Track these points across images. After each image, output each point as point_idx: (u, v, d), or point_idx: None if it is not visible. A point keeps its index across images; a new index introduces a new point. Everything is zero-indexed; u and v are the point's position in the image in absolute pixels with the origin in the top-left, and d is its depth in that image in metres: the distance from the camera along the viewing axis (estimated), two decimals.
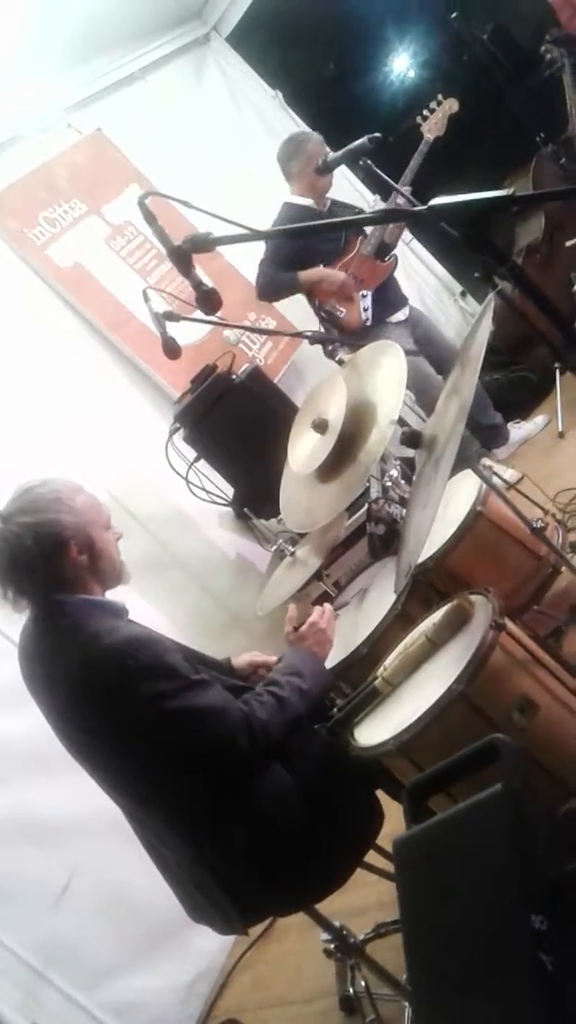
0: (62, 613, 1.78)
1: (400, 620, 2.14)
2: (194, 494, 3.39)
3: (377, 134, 2.77)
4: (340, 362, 2.72)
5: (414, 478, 2.22)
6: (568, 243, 4.09)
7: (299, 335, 3.14)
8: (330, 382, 2.47)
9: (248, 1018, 2.61)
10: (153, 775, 1.76)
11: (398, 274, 4.04)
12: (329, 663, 2.08)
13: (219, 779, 1.74)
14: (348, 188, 5.10)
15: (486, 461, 3.84)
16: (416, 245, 5.38)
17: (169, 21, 4.82)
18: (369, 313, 3.84)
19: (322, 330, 3.88)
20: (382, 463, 2.69)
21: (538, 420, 4.14)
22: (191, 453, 3.47)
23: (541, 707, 1.69)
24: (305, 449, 2.46)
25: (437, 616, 1.91)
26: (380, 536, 2.61)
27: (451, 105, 3.80)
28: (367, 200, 5.24)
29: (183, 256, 1.63)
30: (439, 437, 1.96)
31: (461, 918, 1.17)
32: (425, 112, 3.83)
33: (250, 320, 4.22)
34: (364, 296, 3.83)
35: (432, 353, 3.99)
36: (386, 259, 3.91)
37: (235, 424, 3.45)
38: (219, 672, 1.95)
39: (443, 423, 1.97)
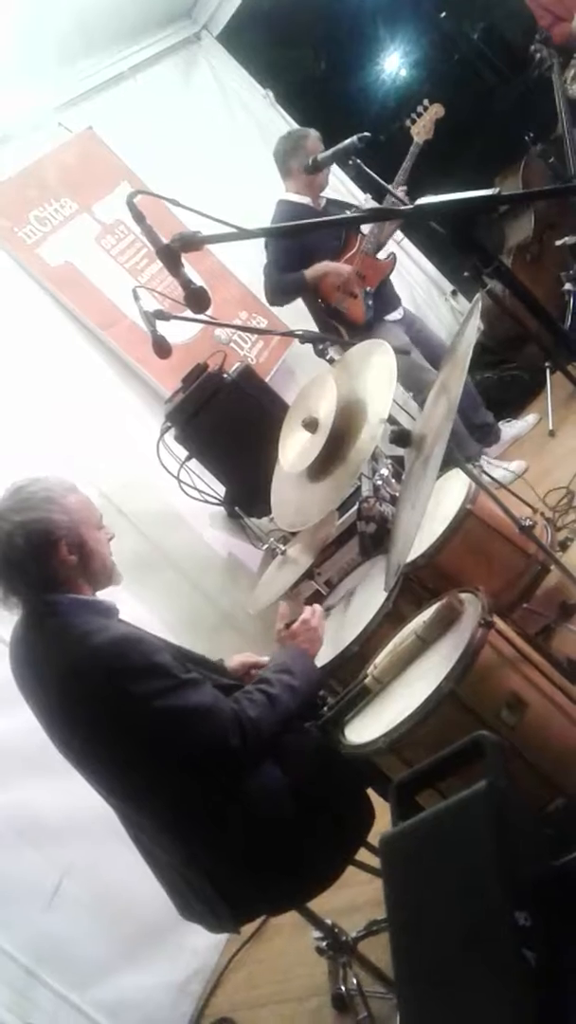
0: (52, 613, 1.78)
1: (390, 618, 2.14)
2: (185, 493, 3.39)
3: (367, 133, 2.78)
4: (331, 361, 2.73)
5: (403, 477, 2.22)
6: (558, 242, 4.09)
7: (290, 334, 3.14)
8: (320, 381, 2.47)
9: (241, 1016, 2.61)
10: (143, 774, 1.76)
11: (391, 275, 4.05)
12: (320, 661, 2.09)
13: (210, 777, 1.74)
14: (339, 187, 5.11)
15: (486, 457, 3.88)
16: (407, 244, 5.38)
17: (159, 20, 4.81)
18: (372, 309, 3.86)
19: (316, 329, 3.88)
20: (373, 462, 2.69)
21: (529, 419, 4.16)
22: (182, 452, 3.46)
23: (530, 705, 1.70)
24: (296, 448, 2.46)
25: (427, 614, 1.92)
26: (371, 535, 2.62)
27: (437, 111, 3.83)
28: (359, 199, 5.24)
29: (172, 255, 1.63)
30: (428, 436, 1.96)
31: (446, 914, 1.18)
32: (413, 115, 3.85)
33: (241, 319, 4.22)
34: (367, 292, 3.85)
35: (425, 353, 4.01)
36: (386, 257, 3.93)
37: (226, 423, 3.45)
38: (209, 670, 1.95)
39: (431, 422, 1.98)
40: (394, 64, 6.12)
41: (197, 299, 1.73)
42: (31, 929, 2.46)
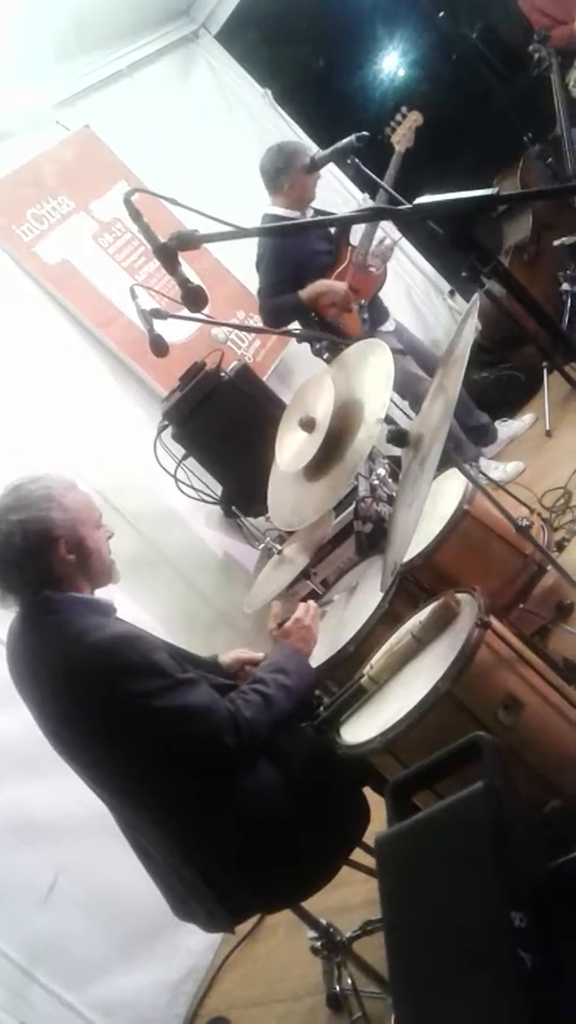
0: (49, 610, 1.78)
1: (387, 618, 2.14)
2: (182, 492, 3.39)
3: (365, 132, 2.77)
4: (328, 360, 2.72)
5: (400, 477, 2.22)
6: (556, 242, 4.10)
7: (287, 333, 3.15)
8: (318, 380, 2.47)
9: (236, 1016, 2.61)
10: (139, 773, 1.76)
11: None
12: (316, 661, 2.09)
13: (206, 777, 1.74)
14: (337, 187, 5.11)
15: (484, 458, 3.88)
16: (405, 244, 5.37)
17: (158, 18, 4.80)
18: (368, 322, 3.85)
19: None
20: (370, 461, 2.69)
21: (526, 419, 4.17)
22: (179, 451, 3.46)
23: (526, 705, 1.69)
24: (292, 447, 2.46)
25: (423, 614, 1.92)
26: (367, 534, 2.61)
27: (416, 118, 3.82)
28: (356, 198, 5.25)
29: (169, 253, 1.63)
30: (424, 436, 1.96)
31: (442, 915, 1.18)
32: (392, 124, 3.84)
33: (238, 318, 4.22)
34: (362, 305, 3.83)
35: (416, 361, 4.00)
36: (379, 270, 3.91)
37: (223, 422, 3.45)
38: (206, 670, 1.95)
39: (428, 422, 1.98)
40: (392, 63, 6.12)
41: (194, 298, 1.73)
42: (26, 928, 2.46)
